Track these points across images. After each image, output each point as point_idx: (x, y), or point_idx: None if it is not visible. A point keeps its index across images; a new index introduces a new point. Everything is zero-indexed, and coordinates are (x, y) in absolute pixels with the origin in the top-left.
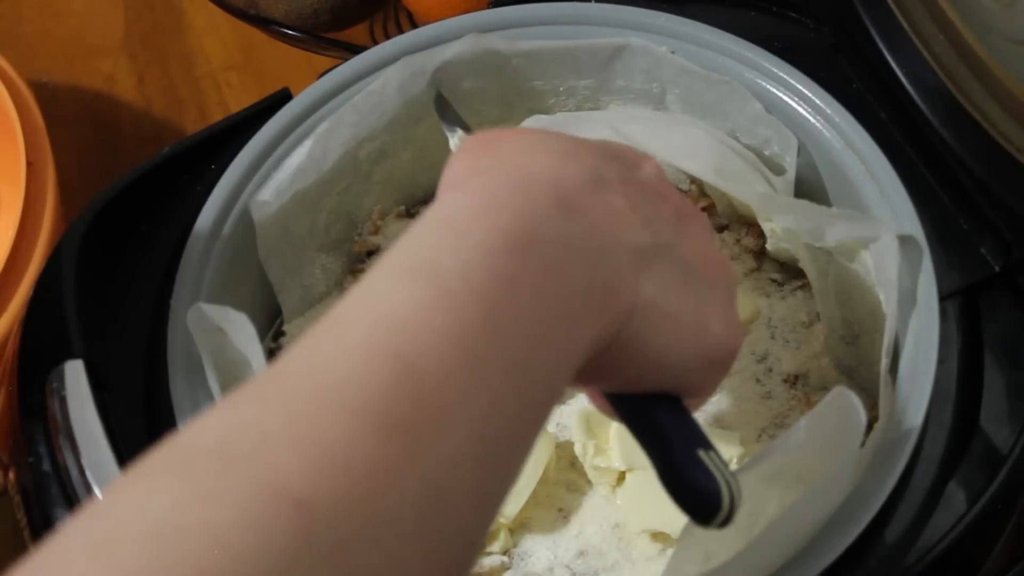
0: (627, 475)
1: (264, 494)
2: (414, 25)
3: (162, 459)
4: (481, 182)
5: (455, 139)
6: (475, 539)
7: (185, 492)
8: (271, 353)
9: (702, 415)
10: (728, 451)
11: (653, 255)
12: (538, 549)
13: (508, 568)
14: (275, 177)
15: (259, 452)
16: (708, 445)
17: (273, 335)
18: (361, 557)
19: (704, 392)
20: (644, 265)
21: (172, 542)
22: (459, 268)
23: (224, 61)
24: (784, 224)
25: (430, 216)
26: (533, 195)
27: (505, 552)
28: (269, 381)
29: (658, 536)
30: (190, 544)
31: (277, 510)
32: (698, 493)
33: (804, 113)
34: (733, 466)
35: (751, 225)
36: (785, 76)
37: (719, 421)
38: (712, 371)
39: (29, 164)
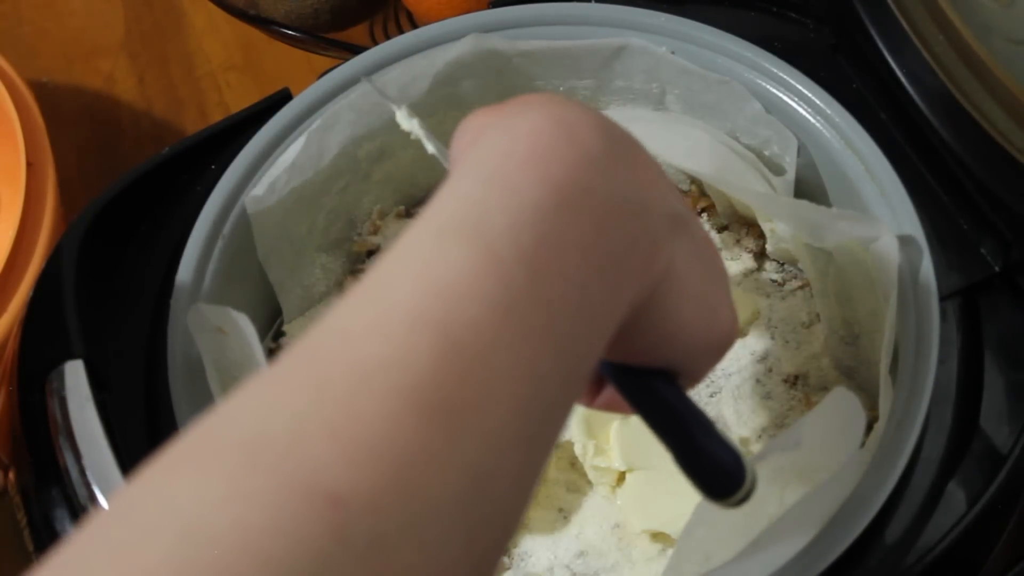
0: (627, 475)
1: (297, 491)
2: (414, 25)
3: (189, 450)
4: (522, 125)
5: (401, 113)
6: (513, 521)
7: (214, 490)
8: (271, 353)
9: None
10: None
11: (681, 225)
12: (538, 549)
13: (508, 568)
14: (269, 173)
15: (292, 443)
16: (708, 421)
17: (273, 335)
18: (398, 554)
19: (698, 376)
20: (675, 231)
21: (201, 547)
22: (509, 229)
23: (224, 61)
24: (784, 224)
25: (473, 166)
26: (580, 141)
27: (505, 552)
28: (302, 358)
29: (658, 536)
30: (219, 550)
31: (310, 509)
32: (721, 466)
33: (804, 113)
34: None
35: (751, 225)
36: (785, 76)
37: (719, 421)
38: (712, 356)
39: (29, 164)
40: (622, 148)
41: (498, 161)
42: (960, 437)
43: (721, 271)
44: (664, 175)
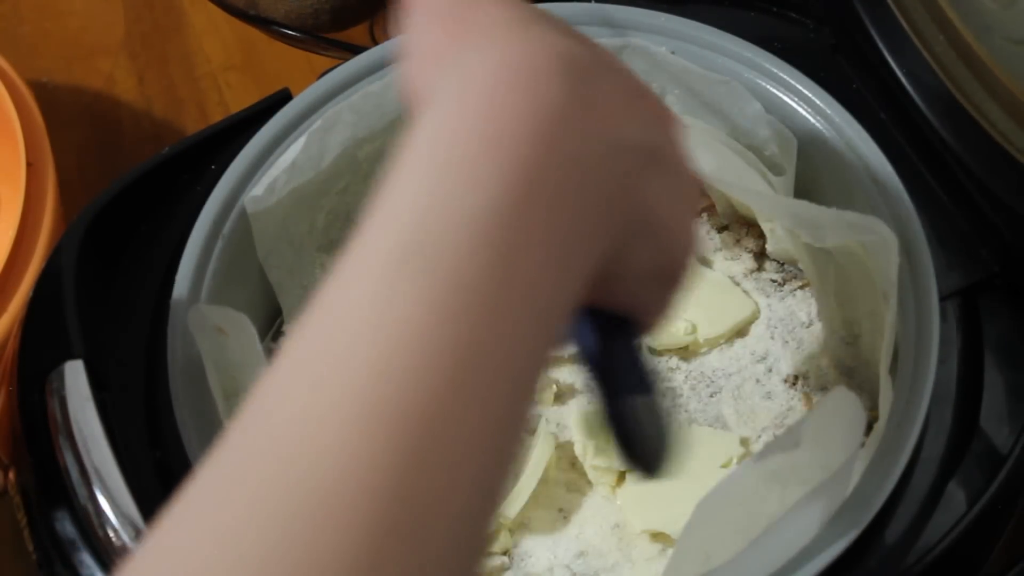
0: (627, 475)
1: None
2: None
3: None
4: (478, 84)
5: None
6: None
7: None
8: (271, 353)
9: (702, 415)
10: (727, 452)
11: (656, 158)
12: (538, 549)
13: (508, 568)
14: (268, 173)
15: None
16: (652, 391)
17: (273, 335)
18: None
19: (656, 310)
20: (650, 166)
21: None
22: (461, 252)
23: (224, 61)
24: (784, 224)
25: (421, 154)
26: (541, 94)
27: (505, 552)
28: (231, 469)
29: (658, 536)
30: None
31: None
32: (632, 442)
33: (804, 113)
34: (733, 466)
35: (751, 225)
36: (785, 76)
37: (719, 421)
38: (666, 285)
39: (29, 164)
40: (590, 81)
41: (451, 148)
42: (960, 437)
43: (693, 200)
44: (641, 94)
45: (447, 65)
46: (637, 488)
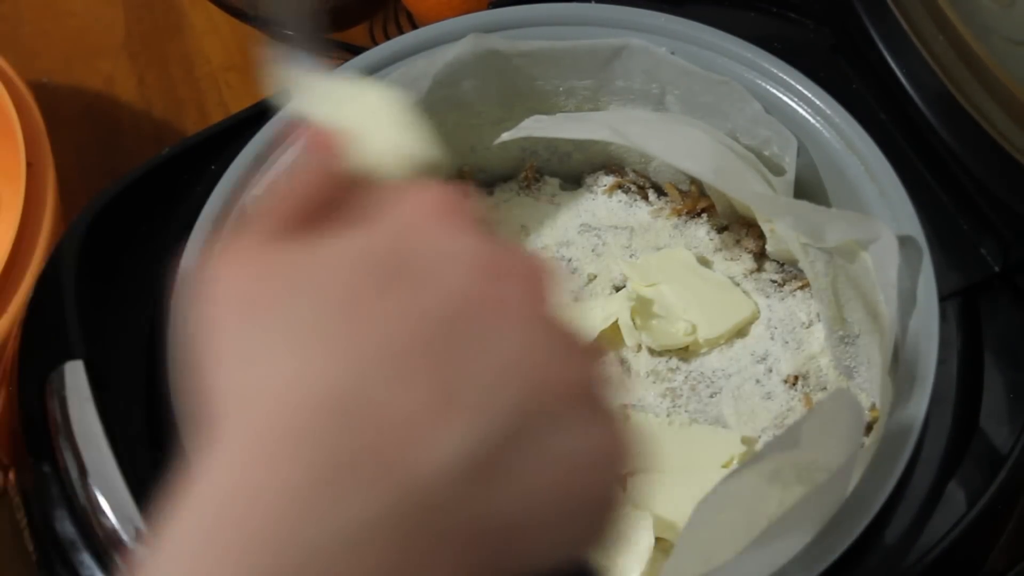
0: (627, 477)
1: None
2: (414, 26)
3: None
4: (228, 455)
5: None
6: None
7: None
8: None
9: (702, 415)
10: (728, 451)
11: (504, 448)
12: None
13: None
14: (269, 173)
15: None
16: None
17: None
18: None
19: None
20: (486, 485)
21: None
22: None
23: (224, 61)
24: (784, 225)
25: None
26: (307, 464)
27: None
28: None
29: (658, 537)
30: None
31: None
32: None
33: (804, 113)
34: (734, 465)
35: (751, 226)
36: (785, 76)
37: (719, 421)
38: (587, 527)
39: (29, 164)
40: (374, 431)
41: (183, 542)
42: (960, 437)
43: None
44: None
45: (232, 387)
46: (637, 490)
